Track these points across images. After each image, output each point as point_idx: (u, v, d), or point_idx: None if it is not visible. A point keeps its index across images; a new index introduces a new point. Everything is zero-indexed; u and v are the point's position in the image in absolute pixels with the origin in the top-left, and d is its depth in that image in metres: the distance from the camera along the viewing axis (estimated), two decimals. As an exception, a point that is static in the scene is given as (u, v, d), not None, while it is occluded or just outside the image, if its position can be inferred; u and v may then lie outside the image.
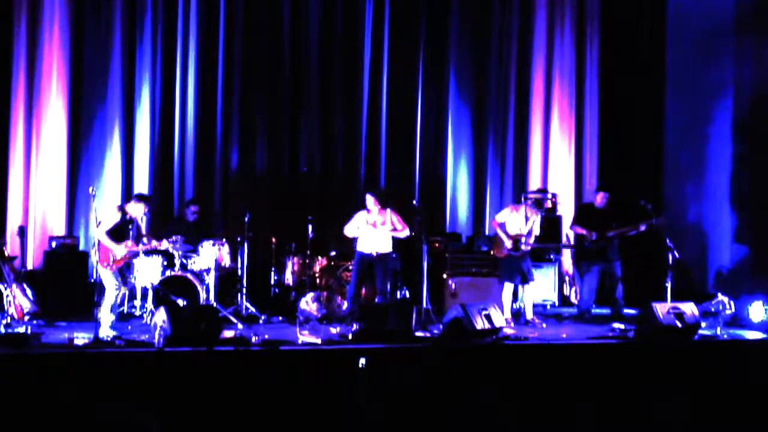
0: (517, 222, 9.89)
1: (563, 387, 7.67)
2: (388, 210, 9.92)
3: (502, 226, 9.92)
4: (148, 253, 9.64)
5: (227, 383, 7.11)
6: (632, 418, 7.60)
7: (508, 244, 9.79)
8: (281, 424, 7.05)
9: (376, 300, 9.94)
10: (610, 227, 10.23)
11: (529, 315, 9.89)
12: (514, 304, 10.07)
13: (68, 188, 10.91)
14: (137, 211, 8.48)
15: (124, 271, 8.60)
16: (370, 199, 9.90)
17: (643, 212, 10.12)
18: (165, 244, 8.86)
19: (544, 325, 9.73)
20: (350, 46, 12.07)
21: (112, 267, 8.32)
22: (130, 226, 8.39)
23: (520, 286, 9.95)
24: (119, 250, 8.30)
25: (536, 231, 9.97)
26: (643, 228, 10.18)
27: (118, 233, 8.36)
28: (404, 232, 9.94)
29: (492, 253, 10.15)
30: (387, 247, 9.90)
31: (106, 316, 8.25)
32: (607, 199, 10.42)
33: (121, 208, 8.52)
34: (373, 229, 9.84)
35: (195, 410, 6.90)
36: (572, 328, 9.75)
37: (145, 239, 8.59)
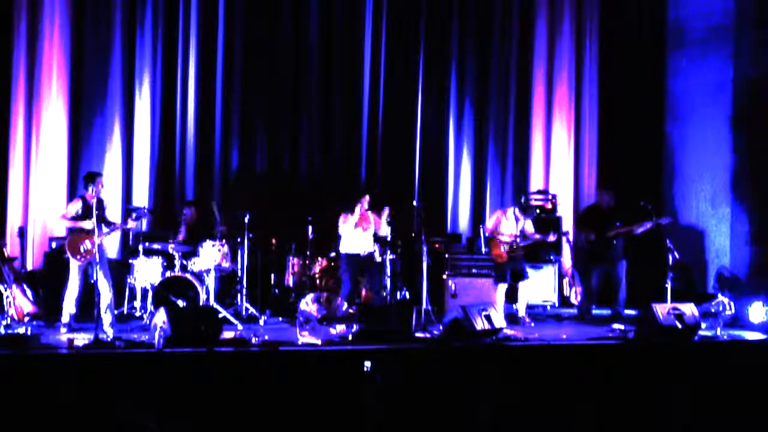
0: (508, 227, 10.00)
1: (563, 387, 7.66)
2: (369, 212, 9.99)
3: (496, 229, 10.02)
4: (147, 253, 9.66)
5: (227, 384, 7.10)
6: (632, 419, 7.59)
7: (506, 247, 9.89)
8: (281, 425, 7.04)
9: (374, 300, 9.96)
10: (612, 228, 10.23)
11: (521, 313, 9.96)
12: (514, 305, 10.10)
13: (68, 189, 10.89)
14: (94, 189, 8.73)
15: (89, 268, 8.78)
16: (368, 200, 9.94)
17: (644, 213, 10.13)
18: (130, 224, 9.08)
19: (532, 324, 9.79)
20: (350, 47, 12.06)
21: (83, 258, 8.64)
22: (96, 210, 8.48)
23: (515, 285, 10.00)
24: (87, 224, 8.55)
25: (530, 229, 10.02)
26: (641, 229, 10.18)
27: (81, 218, 8.74)
28: (383, 230, 10.04)
29: (493, 256, 10.22)
30: (371, 247, 9.98)
31: (68, 307, 8.76)
32: (611, 200, 10.43)
33: (82, 197, 8.87)
34: (365, 231, 9.89)
35: (195, 411, 6.89)
36: (572, 328, 9.76)
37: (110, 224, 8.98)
